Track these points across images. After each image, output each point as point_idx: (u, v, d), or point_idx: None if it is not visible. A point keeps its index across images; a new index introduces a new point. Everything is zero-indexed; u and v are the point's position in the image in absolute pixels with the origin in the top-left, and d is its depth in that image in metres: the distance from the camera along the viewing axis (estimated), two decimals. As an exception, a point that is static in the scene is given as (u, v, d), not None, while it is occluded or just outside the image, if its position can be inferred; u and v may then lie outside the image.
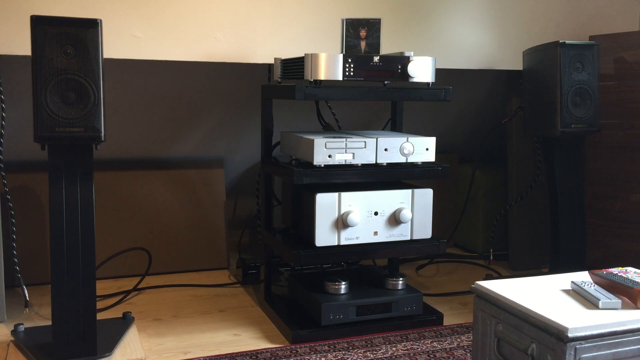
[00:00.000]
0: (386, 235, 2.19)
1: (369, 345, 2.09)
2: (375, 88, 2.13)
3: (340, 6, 2.45)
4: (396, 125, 2.55)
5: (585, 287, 1.44)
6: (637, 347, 1.31)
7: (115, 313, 2.36)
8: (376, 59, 2.08)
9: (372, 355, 2.02)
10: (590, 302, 1.40)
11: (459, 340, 2.16)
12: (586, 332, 1.27)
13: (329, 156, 2.07)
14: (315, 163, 2.06)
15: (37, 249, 2.67)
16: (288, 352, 2.04)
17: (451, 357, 2.02)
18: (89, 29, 1.76)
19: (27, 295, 2.25)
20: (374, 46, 2.23)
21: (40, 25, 1.72)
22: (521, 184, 2.96)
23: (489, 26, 2.70)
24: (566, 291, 1.49)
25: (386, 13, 2.51)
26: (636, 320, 1.31)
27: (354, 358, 2.00)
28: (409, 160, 2.18)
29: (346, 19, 2.21)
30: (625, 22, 2.93)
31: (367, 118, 3.18)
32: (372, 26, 2.22)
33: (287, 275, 2.52)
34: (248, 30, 2.34)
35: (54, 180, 1.84)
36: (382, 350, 2.06)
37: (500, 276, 2.83)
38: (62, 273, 1.87)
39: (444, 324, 2.29)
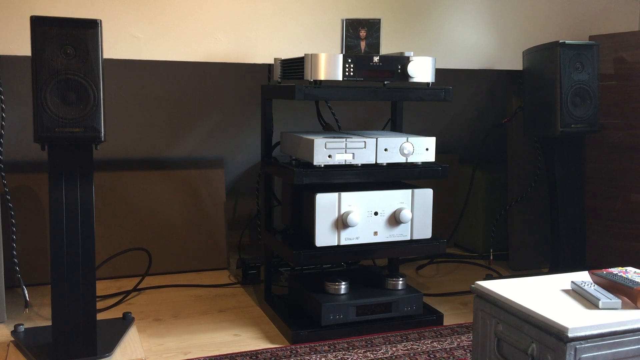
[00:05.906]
0: (386, 235, 2.18)
1: (369, 346, 2.09)
2: (375, 88, 2.13)
3: (340, 6, 2.45)
4: (396, 125, 2.55)
5: (585, 287, 1.44)
6: (637, 347, 1.31)
7: (115, 313, 2.36)
8: (376, 59, 2.08)
9: (372, 356, 2.02)
10: (590, 302, 1.40)
11: (459, 340, 2.16)
12: (586, 332, 1.27)
13: (329, 156, 2.07)
14: (315, 163, 2.06)
15: (37, 249, 2.67)
16: (288, 352, 2.04)
17: (451, 357, 2.02)
18: (88, 29, 1.76)
19: (27, 295, 2.25)
20: (374, 46, 2.23)
21: (40, 26, 1.72)
22: (521, 184, 2.96)
23: (489, 26, 2.70)
24: (566, 291, 1.49)
25: (386, 13, 2.51)
26: (636, 320, 1.31)
27: (354, 358, 2.00)
28: (409, 161, 2.18)
29: (346, 19, 2.21)
30: (625, 22, 2.93)
31: (367, 118, 3.18)
32: (372, 26, 2.22)
33: (287, 275, 2.52)
34: (248, 30, 2.34)
35: (54, 180, 1.84)
36: (382, 351, 2.06)
37: (500, 276, 2.83)
38: (62, 273, 1.87)
39: (444, 324, 2.29)
